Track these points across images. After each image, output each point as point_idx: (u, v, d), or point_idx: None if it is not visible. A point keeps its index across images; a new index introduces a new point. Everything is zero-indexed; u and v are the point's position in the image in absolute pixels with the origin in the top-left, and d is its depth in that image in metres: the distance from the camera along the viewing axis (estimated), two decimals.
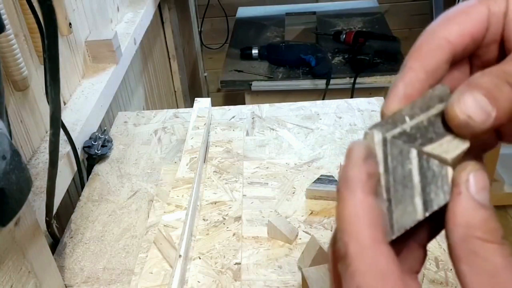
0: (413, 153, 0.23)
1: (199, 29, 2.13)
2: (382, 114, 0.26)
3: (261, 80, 1.50)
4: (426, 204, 0.23)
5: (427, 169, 0.23)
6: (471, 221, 0.22)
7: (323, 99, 1.43)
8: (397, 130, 0.24)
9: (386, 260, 0.21)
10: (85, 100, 0.86)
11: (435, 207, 0.23)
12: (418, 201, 0.23)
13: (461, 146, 0.24)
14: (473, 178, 0.23)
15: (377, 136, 0.23)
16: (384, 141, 0.23)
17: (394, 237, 0.22)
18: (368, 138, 0.24)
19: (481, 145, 0.28)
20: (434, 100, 0.24)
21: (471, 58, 0.28)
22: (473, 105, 0.23)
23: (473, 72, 0.29)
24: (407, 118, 0.24)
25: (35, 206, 0.63)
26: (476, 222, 0.22)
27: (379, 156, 0.23)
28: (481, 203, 0.22)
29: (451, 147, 0.23)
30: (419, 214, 0.23)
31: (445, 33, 0.26)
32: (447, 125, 0.24)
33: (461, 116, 0.23)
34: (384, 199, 0.23)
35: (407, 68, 0.26)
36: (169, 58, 1.72)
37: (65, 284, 0.59)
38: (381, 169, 0.23)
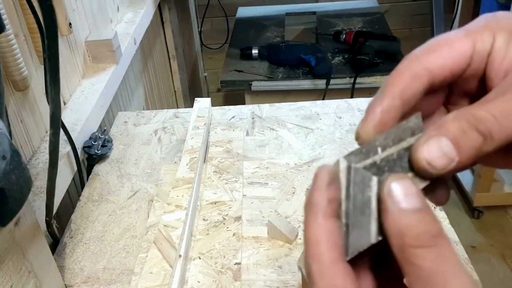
0: (374, 181, 0.24)
1: (199, 29, 2.13)
2: (357, 136, 0.27)
3: (261, 80, 1.50)
4: (380, 228, 0.24)
5: None
6: (401, 230, 0.22)
7: (323, 99, 1.43)
8: (368, 161, 0.25)
9: (343, 278, 0.23)
10: (85, 100, 0.86)
11: None
12: (373, 226, 0.24)
13: (420, 184, 0.25)
14: (395, 188, 0.23)
15: (343, 164, 0.24)
16: (349, 169, 0.24)
17: (348, 258, 0.24)
18: (336, 165, 0.25)
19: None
20: (407, 132, 0.25)
21: (450, 85, 0.29)
22: (436, 152, 0.24)
23: (450, 97, 0.30)
24: (379, 150, 0.25)
25: (35, 206, 0.63)
26: (405, 230, 0.22)
27: (342, 183, 0.24)
28: (408, 209, 0.23)
29: (413, 182, 0.25)
30: (372, 238, 0.24)
31: (427, 63, 0.27)
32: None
33: (422, 162, 0.24)
34: (343, 223, 0.24)
35: (386, 92, 0.27)
36: (169, 58, 1.72)
37: (65, 284, 0.59)
38: (343, 195, 0.24)
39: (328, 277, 0.23)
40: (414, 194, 0.23)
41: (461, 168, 0.25)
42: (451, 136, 0.24)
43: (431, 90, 0.28)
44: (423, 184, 0.25)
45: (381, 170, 0.25)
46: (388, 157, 0.25)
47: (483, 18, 0.28)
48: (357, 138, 0.27)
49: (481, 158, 0.25)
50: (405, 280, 0.23)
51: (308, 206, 0.24)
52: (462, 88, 0.29)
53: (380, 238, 0.24)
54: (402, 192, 0.23)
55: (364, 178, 0.24)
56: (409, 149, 0.25)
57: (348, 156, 0.25)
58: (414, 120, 0.25)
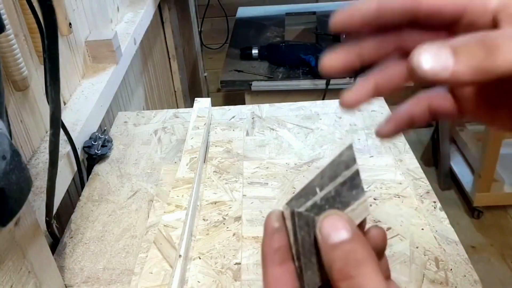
0: (316, 221, 0.25)
1: (199, 29, 2.13)
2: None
3: (261, 80, 1.50)
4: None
5: None
6: (329, 265, 0.23)
7: (323, 99, 1.43)
8: (309, 203, 0.25)
9: None
10: (85, 100, 0.86)
11: None
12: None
13: (363, 214, 0.26)
14: (324, 224, 0.24)
15: (286, 211, 0.25)
16: (292, 214, 0.25)
17: None
18: (284, 209, 0.26)
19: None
20: (341, 167, 0.26)
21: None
22: (430, 54, 0.21)
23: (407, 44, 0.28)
24: (317, 189, 0.26)
25: (35, 206, 0.63)
26: (332, 264, 0.23)
27: (289, 228, 0.25)
28: (335, 242, 0.23)
29: (353, 215, 0.25)
30: (321, 278, 0.25)
31: None
32: (351, 194, 0.26)
33: (414, 61, 0.21)
34: (297, 266, 0.25)
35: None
36: (169, 58, 1.72)
37: (65, 284, 0.59)
38: (291, 240, 0.25)
39: None
40: (341, 227, 0.24)
41: (454, 83, 0.21)
42: (454, 47, 0.21)
43: (399, 25, 0.27)
44: (365, 215, 0.26)
45: (322, 209, 0.25)
46: (326, 195, 0.26)
47: None
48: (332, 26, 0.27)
49: (487, 110, 0.25)
50: None
51: (261, 256, 0.26)
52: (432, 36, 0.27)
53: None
54: (330, 227, 0.24)
55: (307, 221, 0.25)
56: (345, 182, 0.26)
57: (290, 202, 0.25)
58: (346, 152, 0.26)
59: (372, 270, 0.23)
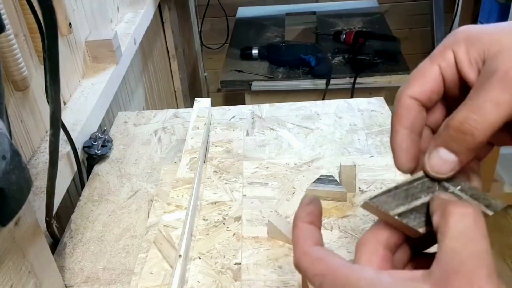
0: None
1: (199, 29, 2.13)
2: (400, 169, 0.34)
3: (261, 80, 1.50)
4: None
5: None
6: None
7: (323, 99, 1.43)
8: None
9: (313, 253, 0.31)
10: (85, 100, 0.86)
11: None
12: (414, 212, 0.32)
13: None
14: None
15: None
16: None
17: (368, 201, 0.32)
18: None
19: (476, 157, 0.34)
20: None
21: (445, 99, 0.35)
22: (439, 161, 0.31)
23: (448, 107, 0.36)
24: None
25: (35, 206, 0.63)
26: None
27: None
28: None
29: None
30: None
31: (410, 92, 0.34)
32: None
33: (431, 173, 0.32)
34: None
35: (394, 131, 0.34)
36: (169, 58, 1.72)
37: (65, 284, 0.59)
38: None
39: (307, 262, 0.31)
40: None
41: (466, 163, 0.31)
42: (445, 144, 0.31)
43: (430, 108, 0.35)
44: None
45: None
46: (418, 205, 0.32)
47: (443, 40, 0.34)
48: (400, 169, 0.34)
49: (490, 140, 0.32)
50: None
51: (294, 215, 0.35)
52: (453, 97, 0.35)
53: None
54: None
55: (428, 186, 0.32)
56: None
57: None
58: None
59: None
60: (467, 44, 0.32)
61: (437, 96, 0.34)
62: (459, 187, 0.31)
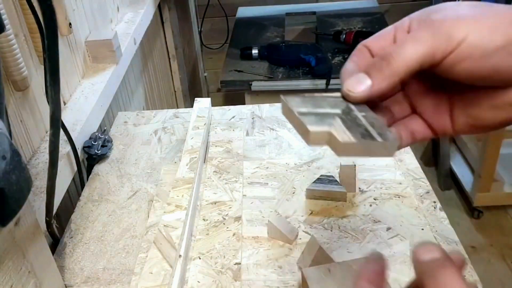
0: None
1: (199, 29, 2.13)
2: (347, 92, 0.36)
3: (261, 80, 1.50)
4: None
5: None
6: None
7: None
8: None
9: None
10: (85, 100, 0.86)
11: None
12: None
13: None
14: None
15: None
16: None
17: None
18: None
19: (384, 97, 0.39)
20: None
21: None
22: (353, 81, 0.34)
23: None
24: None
25: (35, 206, 0.63)
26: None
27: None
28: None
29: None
30: None
31: (364, 42, 0.40)
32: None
33: (345, 91, 0.35)
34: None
35: (346, 63, 0.38)
36: (169, 58, 1.72)
37: (65, 284, 0.59)
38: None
39: None
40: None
41: (378, 94, 0.34)
42: (365, 69, 0.34)
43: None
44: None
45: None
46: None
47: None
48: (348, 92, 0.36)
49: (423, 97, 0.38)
50: None
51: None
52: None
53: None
54: None
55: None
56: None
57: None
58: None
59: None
60: (422, 13, 0.36)
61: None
62: (363, 114, 0.34)
